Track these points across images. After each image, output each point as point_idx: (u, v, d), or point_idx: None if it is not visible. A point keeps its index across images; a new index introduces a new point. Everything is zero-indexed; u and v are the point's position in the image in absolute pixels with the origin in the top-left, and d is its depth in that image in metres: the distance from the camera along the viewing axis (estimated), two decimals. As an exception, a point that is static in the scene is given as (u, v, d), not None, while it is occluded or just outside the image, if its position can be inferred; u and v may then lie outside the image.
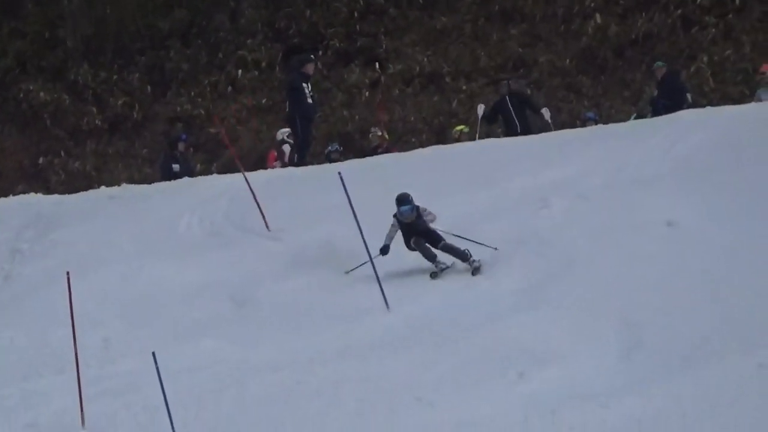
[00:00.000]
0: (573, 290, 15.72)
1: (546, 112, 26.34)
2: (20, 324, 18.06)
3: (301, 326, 16.59)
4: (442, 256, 16.82)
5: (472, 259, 16.67)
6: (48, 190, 28.60)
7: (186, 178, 25.12)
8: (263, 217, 20.25)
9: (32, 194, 25.81)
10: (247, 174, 21.35)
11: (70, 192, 25.98)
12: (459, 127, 27.79)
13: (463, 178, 20.64)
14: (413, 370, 14.25)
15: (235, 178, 22.76)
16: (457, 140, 26.30)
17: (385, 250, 16.79)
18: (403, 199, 16.73)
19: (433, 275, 16.67)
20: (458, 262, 16.75)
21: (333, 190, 17.54)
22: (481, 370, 13.96)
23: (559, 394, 13.11)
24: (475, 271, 16.43)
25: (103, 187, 25.49)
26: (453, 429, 12.83)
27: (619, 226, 17.43)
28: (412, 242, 16.73)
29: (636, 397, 12.74)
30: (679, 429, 12.11)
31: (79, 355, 14.84)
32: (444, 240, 16.83)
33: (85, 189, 25.92)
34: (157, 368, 12.90)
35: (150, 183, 25.45)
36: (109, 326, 17.61)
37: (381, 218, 17.16)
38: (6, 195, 25.90)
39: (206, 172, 29.31)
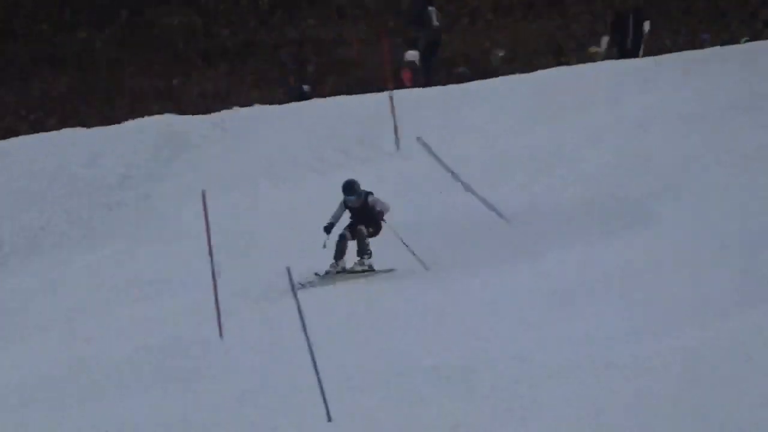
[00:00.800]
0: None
1: (647, 25, 26.18)
2: (158, 241, 18.76)
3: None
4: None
5: (365, 259, 16.19)
6: (181, 111, 29.21)
7: (315, 100, 25.50)
8: (396, 135, 20.66)
9: (167, 115, 26.46)
10: (371, 95, 21.72)
11: (203, 113, 26.60)
12: (593, 49, 27.80)
13: (580, 99, 20.90)
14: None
15: (363, 99, 23.17)
16: (591, 60, 26.34)
17: (328, 229, 16.25)
18: (347, 188, 16.31)
19: (325, 273, 16.14)
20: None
21: (462, 109, 17.88)
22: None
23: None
24: (356, 267, 16.06)
25: (235, 108, 26.05)
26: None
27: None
28: (349, 231, 16.36)
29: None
30: None
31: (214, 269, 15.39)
32: (366, 236, 16.27)
33: (218, 110, 26.50)
34: (291, 281, 13.29)
35: (280, 104, 25.91)
36: (242, 242, 18.18)
37: (508, 140, 17.51)
38: (142, 116, 26.57)
39: (335, 93, 29.65)
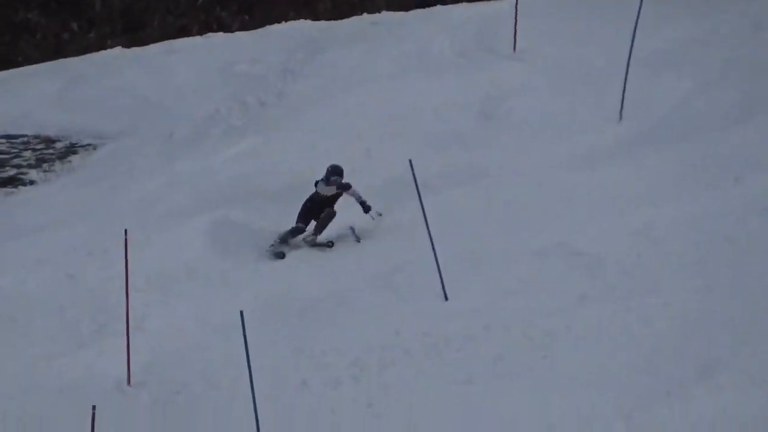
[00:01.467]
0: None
1: None
2: (293, 138, 20.29)
3: (539, 136, 18.77)
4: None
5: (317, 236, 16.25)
6: (316, 17, 30.38)
7: (438, 6, 26.76)
8: (515, 38, 22.01)
9: (302, 20, 27.90)
10: (490, 3, 23.04)
11: (335, 18, 28.04)
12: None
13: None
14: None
15: (482, 6, 24.61)
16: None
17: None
18: (338, 171, 16.48)
19: (272, 248, 16.22)
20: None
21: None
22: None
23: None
24: (307, 240, 16.23)
25: (365, 14, 27.51)
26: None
27: None
28: (311, 219, 16.48)
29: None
30: None
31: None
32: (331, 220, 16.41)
33: (349, 16, 27.92)
34: (414, 174, 14.75)
35: (407, 11, 27.24)
36: (371, 138, 19.81)
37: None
38: (279, 21, 28.03)
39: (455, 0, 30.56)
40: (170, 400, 12.76)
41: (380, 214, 16.28)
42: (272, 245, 16.06)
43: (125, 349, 13.15)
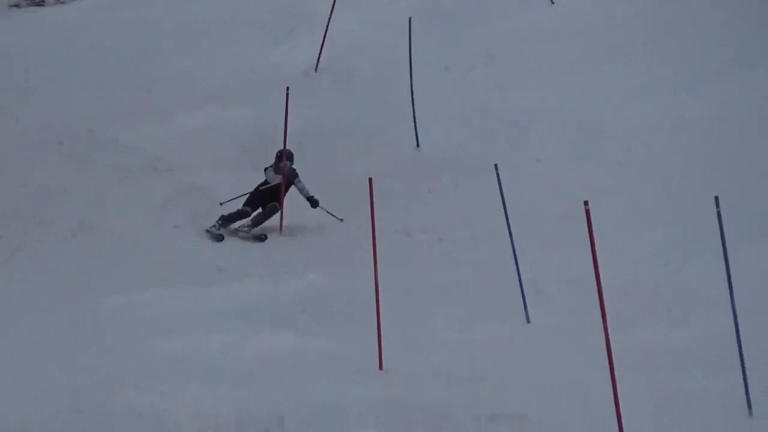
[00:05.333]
0: None
1: None
2: None
3: None
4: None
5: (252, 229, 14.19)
6: None
7: None
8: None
9: None
10: None
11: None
12: None
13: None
14: None
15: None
16: None
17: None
18: (290, 156, 14.26)
19: (213, 229, 14.19)
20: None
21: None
22: None
23: None
24: (242, 230, 14.15)
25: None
26: None
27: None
28: (255, 206, 14.44)
29: None
30: None
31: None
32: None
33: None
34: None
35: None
36: None
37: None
38: None
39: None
40: (346, 82, 16.86)
41: (341, 220, 14.21)
42: (213, 226, 14.17)
43: (314, 44, 17.26)
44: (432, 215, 13.52)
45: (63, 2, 21.15)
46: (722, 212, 8.36)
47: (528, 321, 10.91)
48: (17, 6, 21.22)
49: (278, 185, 14.17)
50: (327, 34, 17.15)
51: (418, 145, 15.17)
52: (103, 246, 12.98)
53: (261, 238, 14.19)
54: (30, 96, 16.36)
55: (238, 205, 14.22)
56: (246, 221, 14.22)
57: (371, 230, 9.90)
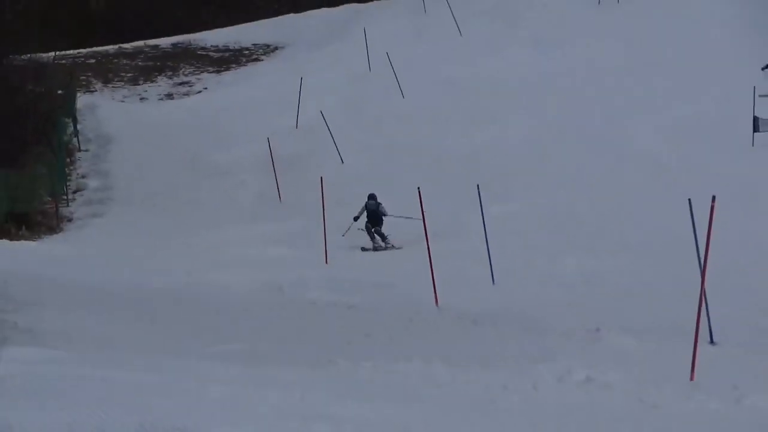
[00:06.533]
0: None
1: None
2: None
3: None
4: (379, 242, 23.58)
5: (386, 243, 23.25)
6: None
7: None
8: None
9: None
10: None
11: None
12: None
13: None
14: None
15: None
16: None
17: (356, 218, 23.54)
18: (372, 197, 23.61)
19: (363, 250, 23.24)
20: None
21: None
22: None
23: None
24: (378, 248, 23.38)
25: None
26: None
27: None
28: (367, 224, 23.53)
29: None
30: None
31: None
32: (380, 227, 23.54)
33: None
34: None
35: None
36: None
37: None
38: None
39: None
40: None
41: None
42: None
43: None
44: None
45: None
46: None
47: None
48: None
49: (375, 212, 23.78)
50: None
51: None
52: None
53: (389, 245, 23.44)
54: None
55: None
56: (382, 243, 23.46)
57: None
